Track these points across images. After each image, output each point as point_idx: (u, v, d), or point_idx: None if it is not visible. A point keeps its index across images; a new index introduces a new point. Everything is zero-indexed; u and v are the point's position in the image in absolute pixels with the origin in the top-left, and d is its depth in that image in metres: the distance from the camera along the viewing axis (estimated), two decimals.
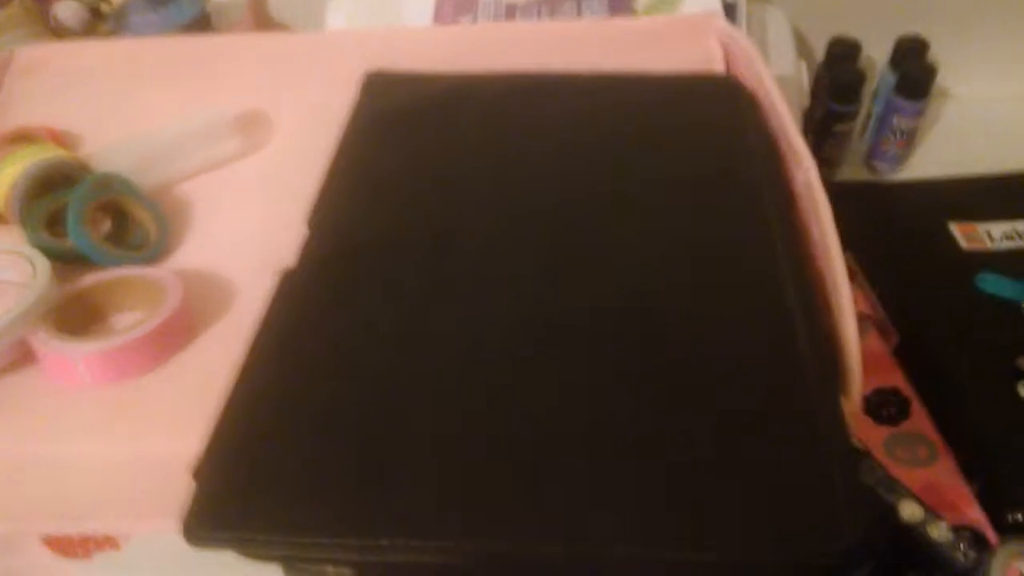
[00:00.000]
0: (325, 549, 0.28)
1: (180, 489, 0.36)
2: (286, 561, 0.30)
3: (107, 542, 0.40)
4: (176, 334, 0.40)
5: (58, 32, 0.80)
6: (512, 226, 0.41)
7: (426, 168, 0.45)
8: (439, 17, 0.72)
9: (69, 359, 0.37)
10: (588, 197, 0.43)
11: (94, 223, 0.44)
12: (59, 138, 0.52)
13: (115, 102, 0.56)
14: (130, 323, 0.39)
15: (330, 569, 0.30)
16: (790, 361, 0.33)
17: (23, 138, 0.51)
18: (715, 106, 0.48)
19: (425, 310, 0.37)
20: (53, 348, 0.38)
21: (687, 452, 0.30)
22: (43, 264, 0.41)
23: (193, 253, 0.46)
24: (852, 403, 0.35)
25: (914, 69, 0.79)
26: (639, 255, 0.39)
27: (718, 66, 0.54)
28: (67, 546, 0.41)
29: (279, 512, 0.29)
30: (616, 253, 0.39)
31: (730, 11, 0.69)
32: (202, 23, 0.78)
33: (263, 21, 0.91)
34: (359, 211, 0.42)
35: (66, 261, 0.43)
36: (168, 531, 0.36)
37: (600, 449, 0.31)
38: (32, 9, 0.78)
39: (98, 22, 0.84)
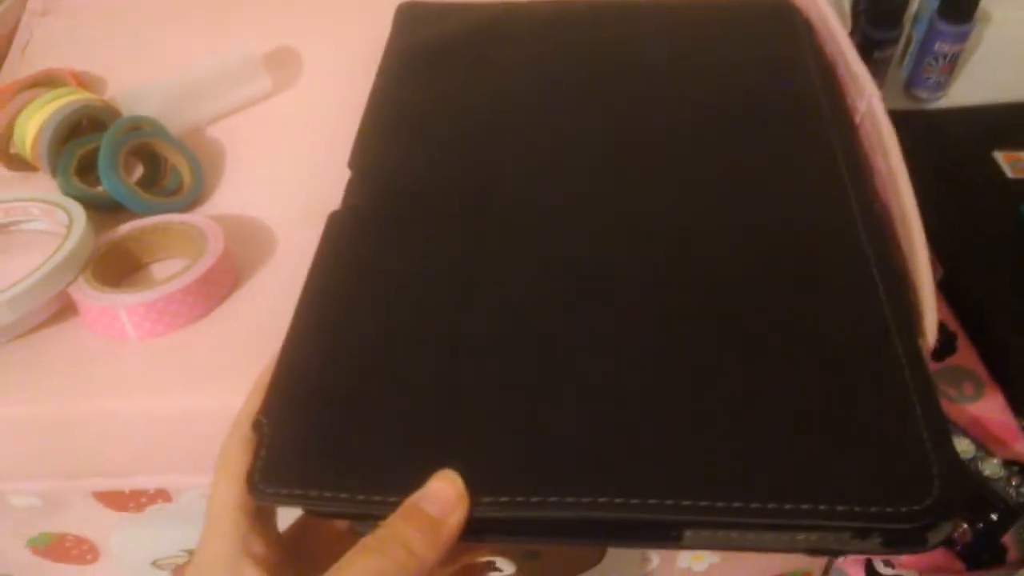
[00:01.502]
0: (391, 507, 0.27)
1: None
2: (353, 518, 0.29)
3: (159, 495, 0.40)
4: (219, 282, 0.38)
5: None
6: (561, 160, 0.39)
7: (468, 102, 0.43)
8: None
9: (112, 310, 0.36)
10: (641, 128, 0.41)
11: (126, 168, 0.43)
12: (83, 80, 0.50)
13: (137, 42, 0.54)
14: (172, 272, 0.38)
15: None
16: (868, 303, 0.32)
17: (47, 81, 0.49)
18: (770, 31, 0.46)
19: (479, 251, 0.35)
20: (95, 299, 0.36)
21: (765, 403, 0.29)
22: (79, 212, 0.40)
23: (230, 197, 0.44)
24: (927, 343, 0.33)
25: None
26: (697, 191, 0.37)
27: None
28: (118, 500, 0.40)
29: (343, 469, 0.28)
30: (673, 189, 0.38)
31: None
32: None
33: None
34: (402, 151, 0.40)
35: (99, 209, 0.42)
36: None
37: (670, 401, 0.29)
38: None
39: None
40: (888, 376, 0.29)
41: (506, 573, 0.47)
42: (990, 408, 0.60)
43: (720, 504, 0.26)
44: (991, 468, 0.54)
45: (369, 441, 0.29)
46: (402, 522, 0.26)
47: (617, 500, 0.27)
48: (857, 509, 0.26)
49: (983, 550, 0.55)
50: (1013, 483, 0.53)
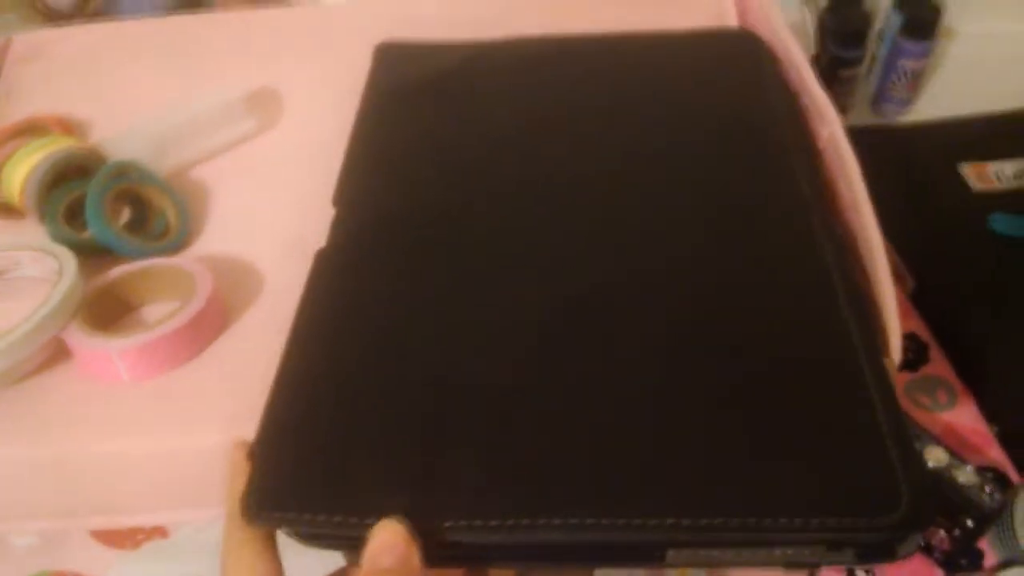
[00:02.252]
0: None
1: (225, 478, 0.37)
2: (346, 544, 0.30)
3: (156, 531, 0.41)
4: (210, 323, 0.39)
5: (46, 14, 0.79)
6: (541, 190, 0.41)
7: (447, 138, 0.44)
8: None
9: (105, 355, 0.37)
10: (613, 159, 0.42)
11: (113, 212, 0.44)
12: (68, 127, 0.51)
13: (120, 85, 0.55)
14: (162, 315, 0.39)
15: None
16: (833, 322, 0.33)
17: (31, 129, 0.50)
18: (734, 62, 0.48)
19: (462, 283, 0.36)
20: (87, 344, 0.37)
21: (737, 424, 0.30)
22: (68, 258, 0.41)
23: (215, 238, 0.45)
24: (892, 362, 0.35)
25: (920, 9, 0.78)
26: (670, 215, 0.39)
27: (731, 21, 0.53)
28: (115, 538, 0.41)
29: (334, 494, 0.29)
30: (647, 214, 0.39)
31: None
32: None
33: None
34: (384, 187, 0.42)
35: (87, 253, 0.43)
36: (218, 519, 0.36)
37: (646, 426, 0.31)
38: None
39: (87, 2, 0.82)
40: (855, 395, 0.31)
41: None
42: (964, 415, 0.62)
43: (702, 522, 0.28)
44: (965, 476, 0.55)
45: (358, 466, 0.30)
46: None
47: (603, 521, 0.28)
48: (829, 522, 0.27)
49: (961, 556, 0.57)
50: (987, 489, 0.55)
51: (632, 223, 0.39)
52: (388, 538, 0.28)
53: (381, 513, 0.29)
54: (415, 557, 0.28)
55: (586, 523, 0.28)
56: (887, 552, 0.28)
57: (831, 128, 0.43)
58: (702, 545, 0.29)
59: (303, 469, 0.30)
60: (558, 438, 0.30)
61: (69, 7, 0.79)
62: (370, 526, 0.28)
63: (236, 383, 0.38)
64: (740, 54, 0.48)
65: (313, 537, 0.30)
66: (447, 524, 0.28)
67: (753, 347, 0.33)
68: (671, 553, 0.29)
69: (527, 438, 0.30)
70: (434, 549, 0.29)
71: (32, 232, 0.46)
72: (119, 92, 0.55)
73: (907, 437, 0.29)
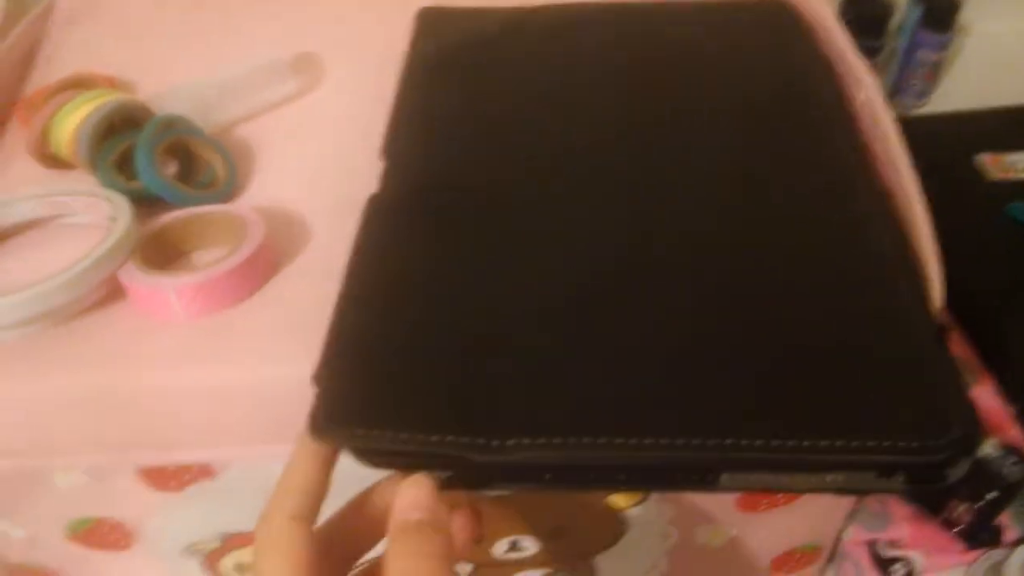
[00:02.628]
0: (450, 447, 0.29)
1: (276, 415, 0.37)
2: (406, 463, 0.30)
3: (202, 472, 0.41)
4: (262, 266, 0.40)
5: None
6: (581, 151, 0.42)
7: (491, 100, 0.45)
8: None
9: (161, 292, 0.38)
10: (653, 119, 0.43)
11: (161, 164, 0.44)
12: (113, 84, 0.52)
13: (161, 48, 0.56)
14: (212, 259, 0.40)
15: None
16: (883, 269, 0.34)
17: (79, 84, 0.51)
18: (770, 29, 0.49)
19: (511, 229, 0.37)
20: (144, 282, 0.38)
21: (795, 353, 0.31)
22: (123, 202, 0.41)
23: (262, 191, 0.46)
24: (935, 306, 0.36)
25: (940, 1, 0.79)
26: (712, 173, 0.40)
27: None
28: (162, 478, 0.42)
29: (402, 410, 0.30)
30: (688, 171, 0.40)
31: None
32: None
33: None
34: (431, 144, 0.43)
35: (136, 203, 0.44)
36: (267, 456, 0.37)
37: (704, 351, 0.32)
38: None
39: None
40: (905, 328, 0.32)
41: (529, 552, 0.49)
42: (984, 396, 0.63)
43: (758, 442, 0.28)
44: (988, 448, 0.56)
45: (422, 386, 0.31)
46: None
47: (662, 441, 0.29)
48: (886, 443, 0.28)
49: (982, 530, 0.57)
50: (1010, 461, 0.55)
51: (674, 180, 0.40)
52: (416, 493, 0.29)
53: (446, 431, 0.29)
54: (443, 511, 0.29)
55: (645, 443, 0.29)
56: (938, 477, 0.29)
57: (867, 91, 0.44)
58: (756, 468, 0.30)
59: (368, 388, 0.31)
60: (617, 363, 0.31)
61: None
62: (435, 442, 0.29)
63: (286, 323, 0.39)
64: (775, 21, 0.49)
65: (376, 453, 0.30)
66: (510, 442, 0.29)
67: (802, 285, 0.34)
68: (725, 477, 0.30)
69: (586, 363, 0.31)
70: (487, 471, 0.30)
71: (80, 182, 0.47)
72: (162, 54, 0.56)
73: (954, 367, 0.30)
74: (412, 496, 0.29)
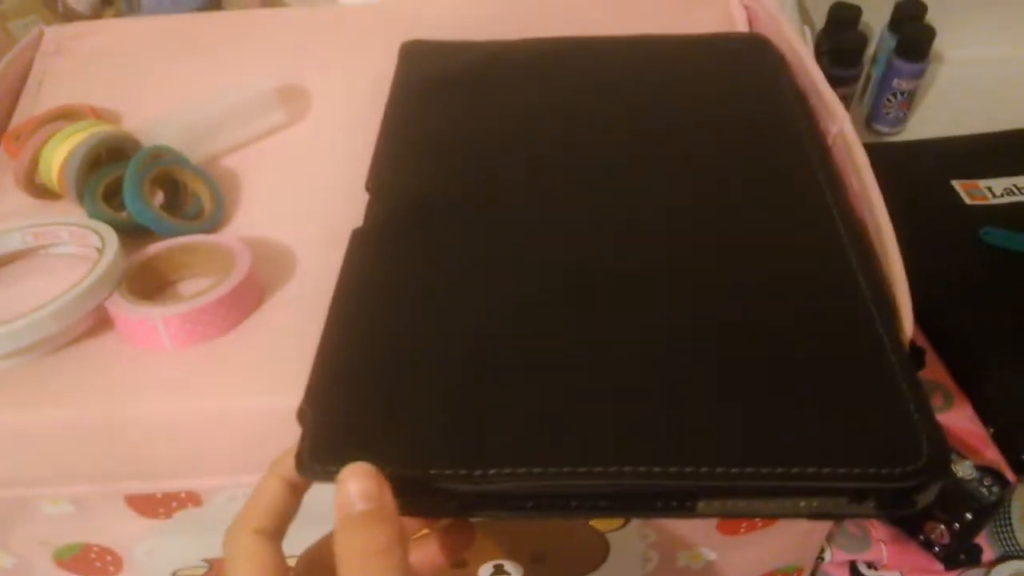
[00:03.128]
0: (434, 480, 0.30)
1: (261, 444, 0.38)
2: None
3: (190, 499, 0.42)
4: (249, 296, 0.41)
5: (68, 16, 0.80)
6: (560, 175, 0.43)
7: (473, 128, 0.46)
8: None
9: (148, 322, 0.38)
10: (630, 147, 0.44)
11: (149, 195, 0.45)
12: (100, 115, 0.53)
13: (147, 79, 0.57)
14: (198, 289, 0.41)
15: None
16: (854, 295, 0.35)
17: (67, 115, 0.51)
18: (746, 62, 0.50)
19: (496, 257, 0.38)
20: (131, 312, 0.39)
21: (767, 380, 0.32)
22: (110, 232, 0.42)
23: (248, 222, 0.47)
24: (904, 335, 0.37)
25: (913, 31, 0.81)
26: (689, 207, 0.41)
27: (742, 27, 0.56)
28: (149, 505, 0.42)
29: (385, 445, 0.31)
30: (664, 197, 0.41)
31: None
32: (213, 3, 0.79)
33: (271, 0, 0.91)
34: (416, 172, 0.43)
35: (123, 233, 0.44)
36: (254, 485, 0.37)
37: (681, 379, 0.32)
38: None
39: (107, 5, 0.84)
40: (875, 355, 0.33)
41: None
42: (960, 418, 0.64)
43: (733, 470, 0.29)
44: (964, 470, 0.57)
45: (408, 419, 0.31)
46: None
47: (641, 469, 0.29)
48: (856, 470, 0.29)
49: (960, 550, 0.58)
50: (986, 483, 0.56)
51: (652, 206, 0.41)
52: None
53: (430, 464, 0.30)
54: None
55: (624, 470, 0.30)
56: (908, 502, 0.30)
57: (840, 124, 0.45)
58: (732, 495, 0.30)
59: (351, 424, 0.32)
60: (595, 392, 0.32)
61: (89, 10, 0.81)
62: (419, 477, 0.30)
63: (273, 353, 0.39)
64: (751, 56, 0.50)
65: None
66: (492, 471, 0.30)
67: (777, 311, 0.35)
68: (702, 503, 0.31)
69: (564, 392, 0.32)
70: (471, 499, 0.31)
71: (68, 212, 0.47)
72: (147, 86, 0.56)
73: (923, 394, 0.31)
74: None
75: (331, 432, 0.31)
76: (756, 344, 0.34)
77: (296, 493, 0.31)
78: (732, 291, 0.36)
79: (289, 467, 0.31)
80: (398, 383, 0.33)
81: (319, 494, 0.31)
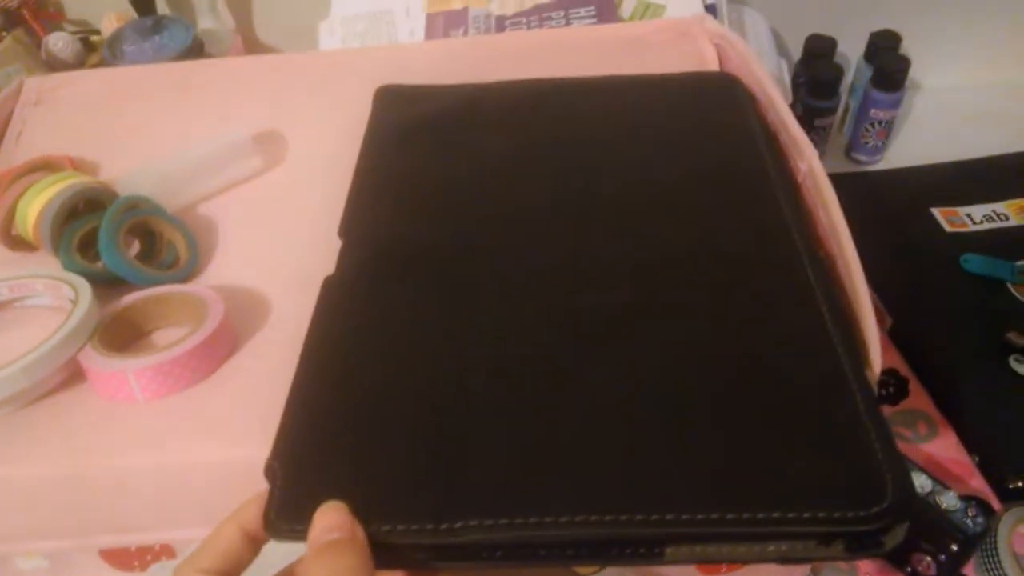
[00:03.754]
0: (402, 535, 0.29)
1: (235, 495, 0.38)
2: None
3: (164, 551, 0.42)
4: (221, 346, 0.41)
5: (51, 64, 0.81)
6: (532, 219, 0.43)
7: (446, 172, 0.46)
8: (431, 32, 0.74)
9: (121, 375, 0.38)
10: (602, 188, 0.45)
11: (124, 245, 0.45)
12: (77, 165, 0.53)
13: (126, 128, 0.57)
14: (173, 339, 0.41)
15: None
16: (819, 335, 0.35)
17: (45, 166, 0.52)
18: (716, 101, 0.50)
19: (462, 303, 0.38)
20: (104, 365, 0.39)
21: (730, 425, 0.32)
22: (83, 285, 0.42)
23: (223, 269, 0.47)
24: (872, 373, 0.37)
25: (889, 62, 0.82)
26: (660, 247, 0.41)
27: (712, 66, 0.56)
28: (124, 558, 0.42)
29: (355, 500, 0.31)
30: (635, 239, 0.41)
31: (710, 13, 0.71)
32: (195, 50, 0.80)
33: (254, 45, 0.93)
34: (389, 218, 0.44)
35: (98, 284, 0.44)
36: None
37: (646, 427, 0.32)
38: (25, 44, 0.79)
39: (90, 53, 0.85)
40: (840, 397, 0.33)
41: None
42: (944, 447, 0.64)
43: (699, 516, 0.29)
44: (948, 501, 0.57)
45: (378, 476, 0.31)
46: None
47: (607, 518, 0.29)
48: (821, 514, 0.29)
49: None
50: (970, 514, 0.56)
51: (621, 248, 0.41)
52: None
53: (396, 520, 0.30)
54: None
55: (591, 519, 0.30)
56: (875, 544, 0.30)
57: (809, 161, 0.46)
58: (699, 541, 0.30)
59: (317, 483, 0.32)
60: (561, 441, 0.32)
61: (72, 57, 0.81)
62: (386, 532, 0.30)
63: (245, 403, 0.39)
64: (722, 94, 0.51)
65: None
66: (459, 524, 0.30)
67: (742, 355, 0.35)
68: (670, 550, 0.31)
69: (531, 443, 0.32)
70: (443, 550, 0.31)
71: (45, 264, 0.47)
72: (127, 134, 0.57)
73: (889, 434, 0.31)
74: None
75: (299, 491, 0.31)
76: (720, 389, 0.34)
77: (253, 545, 0.31)
78: (696, 335, 0.36)
79: (249, 517, 0.31)
80: (366, 438, 0.33)
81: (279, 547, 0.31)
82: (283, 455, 0.32)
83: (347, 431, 0.33)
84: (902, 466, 0.30)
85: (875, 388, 0.35)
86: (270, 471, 0.32)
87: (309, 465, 0.32)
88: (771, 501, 0.30)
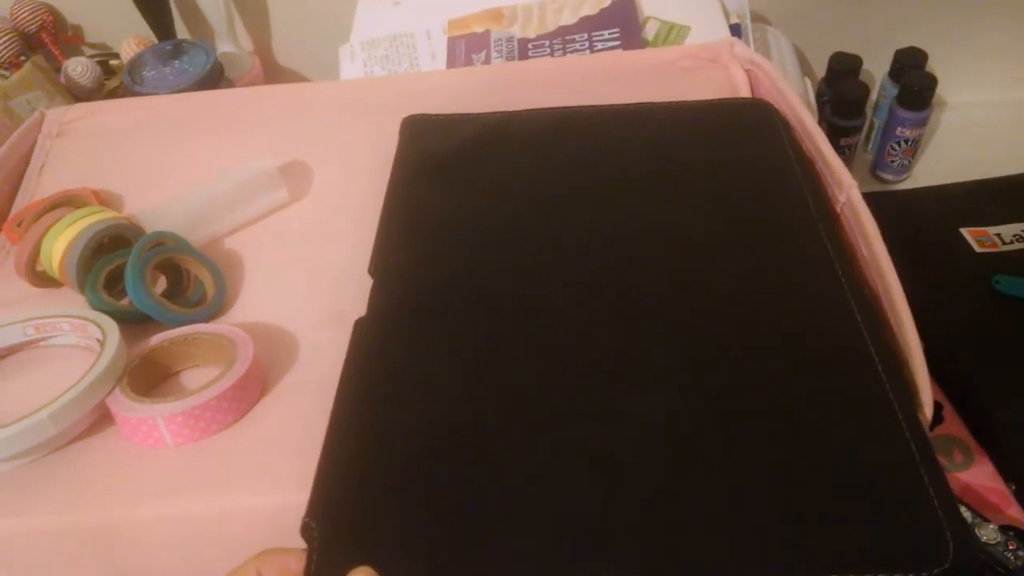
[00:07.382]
0: None
1: (265, 542, 0.37)
2: None
3: None
4: (251, 388, 0.40)
5: (71, 90, 0.81)
6: (565, 260, 0.42)
7: (475, 207, 0.46)
8: (452, 57, 0.73)
9: (150, 421, 0.38)
10: (636, 223, 0.44)
11: (151, 281, 0.45)
12: (102, 199, 0.53)
13: (149, 159, 0.57)
14: (203, 380, 0.40)
15: None
16: (871, 384, 0.34)
17: (69, 201, 0.51)
18: (751, 129, 0.49)
19: (496, 347, 0.37)
20: (133, 411, 0.38)
21: (787, 484, 0.31)
22: (111, 326, 0.41)
23: (250, 306, 0.46)
24: (925, 417, 0.36)
25: (914, 80, 0.81)
26: (699, 284, 0.40)
27: (744, 92, 0.55)
28: None
29: (395, 565, 0.30)
30: (673, 283, 0.40)
31: (734, 34, 0.70)
32: (215, 74, 0.79)
33: (273, 69, 0.92)
34: (418, 257, 0.43)
35: (125, 321, 0.44)
36: None
37: (696, 485, 0.31)
38: (44, 69, 0.79)
39: (109, 78, 0.85)
40: (897, 451, 0.32)
41: None
42: (980, 475, 0.62)
43: None
44: (988, 534, 0.55)
45: (418, 533, 0.30)
46: None
47: None
48: None
49: None
50: (1011, 548, 0.55)
51: (658, 285, 0.40)
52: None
53: None
54: None
55: None
56: None
57: (848, 192, 0.44)
58: None
59: (359, 541, 0.31)
60: (598, 502, 0.31)
61: (92, 82, 0.81)
62: None
63: (276, 447, 0.38)
64: (756, 122, 0.50)
65: None
66: None
67: (793, 409, 0.34)
68: None
69: (567, 504, 0.31)
70: None
71: (69, 301, 0.47)
72: (150, 166, 0.56)
73: (947, 488, 0.30)
74: None
75: (335, 552, 0.30)
76: (767, 439, 0.32)
77: None
78: (740, 381, 0.35)
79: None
80: (406, 501, 0.32)
81: None
82: (320, 517, 0.32)
83: (382, 491, 0.32)
84: (961, 520, 0.29)
85: (927, 433, 0.34)
86: (307, 530, 0.31)
87: (345, 524, 0.31)
88: (832, 561, 0.28)
